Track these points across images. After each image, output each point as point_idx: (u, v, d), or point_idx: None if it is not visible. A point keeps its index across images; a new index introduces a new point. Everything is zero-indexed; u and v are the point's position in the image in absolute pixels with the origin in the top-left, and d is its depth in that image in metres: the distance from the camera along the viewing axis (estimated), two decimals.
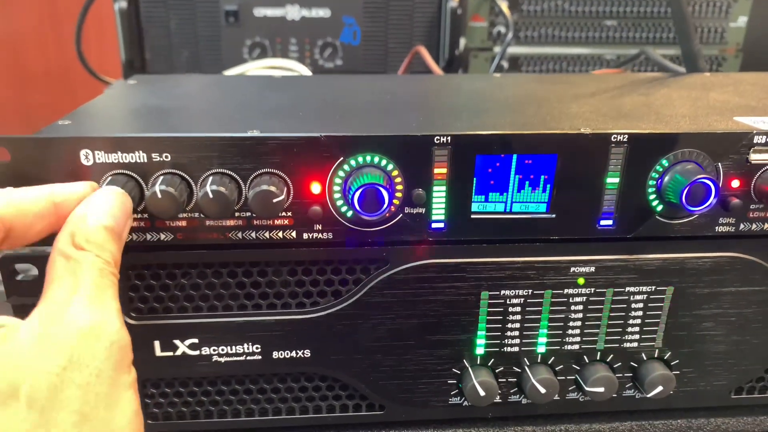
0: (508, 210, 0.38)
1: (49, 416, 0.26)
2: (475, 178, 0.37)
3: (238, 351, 0.39)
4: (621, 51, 1.55)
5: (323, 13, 1.15)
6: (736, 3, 1.50)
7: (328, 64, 1.17)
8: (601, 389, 0.41)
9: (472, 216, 0.37)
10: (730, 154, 0.37)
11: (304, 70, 0.73)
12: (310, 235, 0.37)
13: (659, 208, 0.38)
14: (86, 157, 0.34)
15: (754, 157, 0.37)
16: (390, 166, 0.35)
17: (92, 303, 0.29)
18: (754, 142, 0.36)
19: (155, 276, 0.38)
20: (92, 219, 0.31)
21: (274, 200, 0.34)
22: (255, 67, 0.71)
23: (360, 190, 0.34)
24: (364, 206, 0.34)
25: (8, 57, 1.49)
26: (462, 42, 1.17)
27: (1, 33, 1.52)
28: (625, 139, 0.36)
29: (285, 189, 0.35)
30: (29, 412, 0.26)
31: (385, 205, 0.35)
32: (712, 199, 0.35)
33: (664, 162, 0.37)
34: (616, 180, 0.37)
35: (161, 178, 0.34)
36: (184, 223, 0.36)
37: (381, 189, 0.34)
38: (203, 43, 1.13)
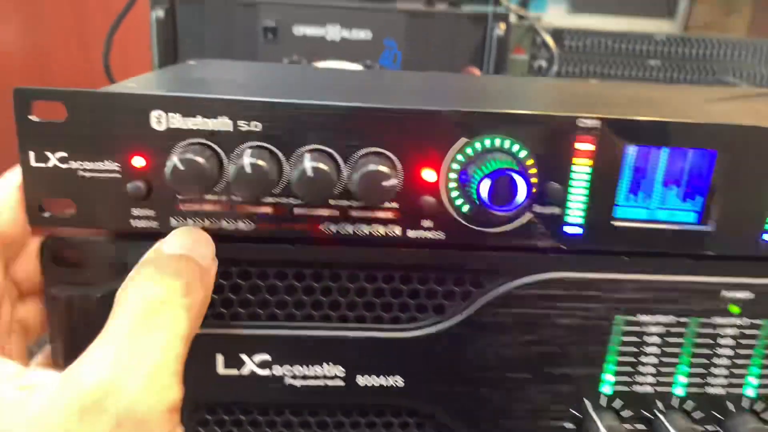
0: (651, 217, 0.31)
1: None
2: (622, 174, 0.30)
3: (317, 373, 0.32)
4: None
5: (364, 35, 1.11)
6: None
7: None
8: None
9: (615, 222, 0.31)
10: None
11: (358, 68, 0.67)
12: (417, 233, 0.30)
13: None
14: (158, 120, 0.28)
15: None
16: (523, 153, 0.29)
17: (116, 354, 0.24)
18: None
19: (226, 274, 0.31)
20: (168, 248, 0.28)
21: (385, 183, 0.27)
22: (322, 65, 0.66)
23: (489, 177, 0.28)
24: (494, 198, 0.28)
25: (35, 69, 1.45)
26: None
27: (29, 45, 1.49)
28: None
29: (395, 173, 0.29)
30: None
31: (521, 198, 0.28)
32: None
33: None
34: None
35: (249, 150, 0.28)
36: (268, 210, 0.29)
37: (516, 176, 0.28)
38: (240, 59, 1.08)
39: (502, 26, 1.12)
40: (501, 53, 1.13)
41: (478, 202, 0.28)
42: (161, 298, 0.25)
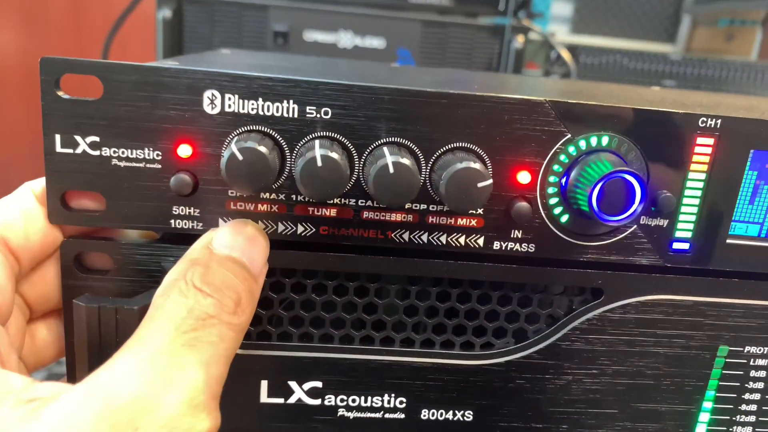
0: (764, 234, 0.27)
1: None
2: (744, 184, 0.26)
3: (375, 404, 0.28)
4: None
5: (378, 43, 1.08)
6: None
7: None
8: None
9: (731, 240, 0.27)
10: None
11: None
12: (504, 245, 0.26)
13: None
14: (211, 102, 0.23)
15: None
16: (633, 154, 0.25)
17: (151, 370, 0.20)
18: None
19: (277, 286, 0.27)
20: (222, 248, 0.23)
21: (480, 185, 0.23)
22: None
23: (602, 181, 0.23)
24: (604, 205, 0.24)
25: (33, 72, 1.41)
26: None
27: (28, 48, 1.45)
28: None
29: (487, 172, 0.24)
30: None
31: (636, 205, 0.24)
32: None
33: None
34: None
35: (318, 141, 0.23)
36: (333, 212, 0.25)
37: (632, 180, 0.23)
38: None
39: (521, 39, 1.09)
40: (518, 66, 1.11)
41: (588, 209, 0.24)
42: (210, 312, 0.21)
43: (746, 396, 0.29)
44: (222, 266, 0.22)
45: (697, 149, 0.25)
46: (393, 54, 1.10)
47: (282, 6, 1.05)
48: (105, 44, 1.03)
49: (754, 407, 0.29)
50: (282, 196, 0.25)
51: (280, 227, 0.25)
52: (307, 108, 0.24)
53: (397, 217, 0.25)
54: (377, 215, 0.25)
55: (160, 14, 1.02)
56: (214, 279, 0.22)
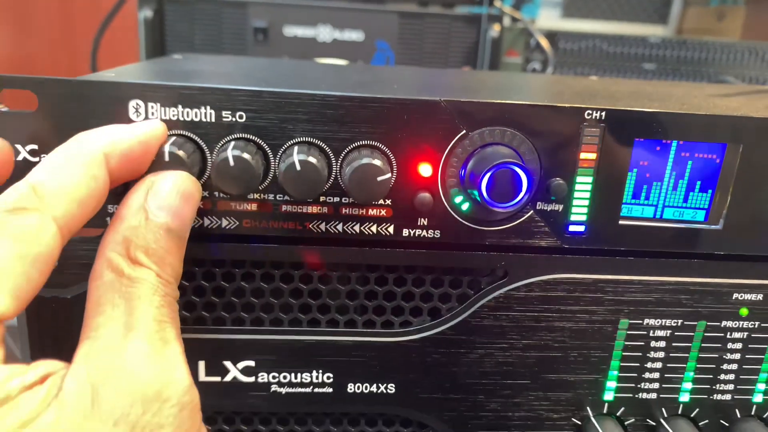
0: (658, 215, 0.30)
1: None
2: (630, 170, 0.28)
3: (304, 380, 0.30)
4: None
5: (356, 36, 1.10)
6: None
7: None
8: None
9: (622, 221, 0.29)
10: None
11: None
12: (412, 232, 0.28)
13: None
14: (136, 110, 0.26)
15: None
16: (525, 146, 0.27)
17: (154, 350, 0.22)
18: None
19: (209, 275, 0.29)
20: (155, 217, 0.23)
21: (379, 178, 0.26)
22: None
23: (490, 172, 0.26)
24: (494, 193, 0.26)
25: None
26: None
27: (16, 52, 1.47)
28: None
29: (389, 168, 0.27)
30: None
31: (522, 194, 0.26)
32: None
33: None
34: None
35: (233, 143, 0.26)
36: (254, 207, 0.28)
37: (518, 170, 0.26)
38: None
39: (497, 27, 1.11)
40: (495, 54, 1.12)
41: (479, 198, 0.26)
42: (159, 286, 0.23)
43: (648, 365, 0.32)
44: (160, 239, 0.23)
45: (584, 140, 0.28)
46: (372, 46, 1.11)
47: (261, 2, 1.07)
48: (93, 45, 1.05)
49: (656, 375, 0.32)
50: (206, 193, 0.27)
51: (206, 221, 0.28)
52: (223, 113, 0.26)
53: (313, 209, 0.28)
54: (294, 208, 0.28)
55: (141, 14, 1.04)
56: (155, 254, 0.23)
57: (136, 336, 0.22)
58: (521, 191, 0.26)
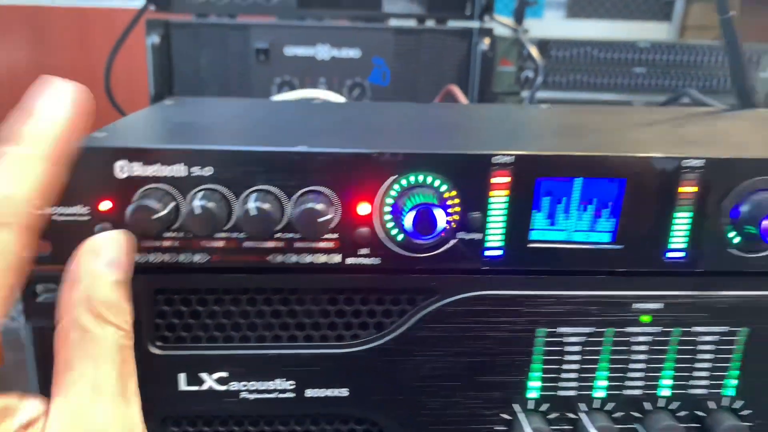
0: (569, 239, 0.35)
1: None
2: (535, 203, 0.34)
3: (269, 387, 0.36)
4: (650, 98, 1.54)
5: (353, 53, 1.16)
6: (766, 54, 1.48)
7: None
8: None
9: (531, 244, 0.34)
10: None
11: (342, 100, 0.71)
12: (356, 261, 0.34)
13: (735, 240, 0.34)
14: (121, 170, 0.32)
15: None
16: (444, 187, 0.33)
17: (119, 412, 0.26)
18: None
19: (185, 301, 0.35)
20: (109, 273, 0.28)
21: (320, 219, 0.31)
22: (294, 96, 0.70)
23: (413, 211, 0.31)
24: (417, 228, 0.32)
25: None
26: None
27: (34, 63, 1.55)
28: (700, 165, 0.33)
29: (332, 208, 0.32)
30: None
31: (439, 228, 0.32)
32: None
33: (741, 190, 0.34)
34: (689, 208, 0.34)
35: (201, 193, 0.32)
36: (221, 244, 0.33)
37: (435, 210, 0.31)
38: (233, 80, 1.13)
39: (487, 41, 1.16)
40: (486, 67, 1.17)
41: (404, 232, 0.32)
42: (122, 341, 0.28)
43: (566, 366, 0.37)
44: (114, 292, 0.28)
45: (494, 180, 0.33)
46: (369, 63, 1.17)
47: (262, 25, 1.13)
48: (106, 66, 1.12)
49: (574, 375, 0.37)
50: (182, 234, 0.33)
51: (181, 257, 0.33)
52: (192, 168, 0.32)
53: (270, 244, 0.34)
54: (255, 244, 0.33)
55: (149, 41, 1.11)
56: (110, 309, 0.27)
57: (103, 399, 0.26)
58: (438, 227, 0.32)
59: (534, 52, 1.41)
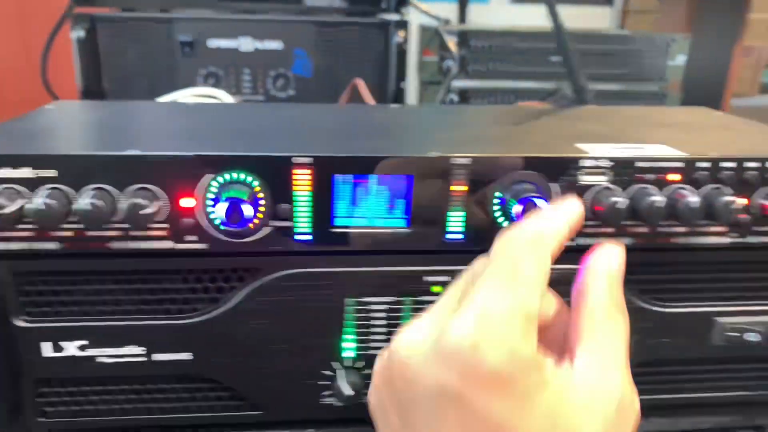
0: (370, 224, 0.42)
1: None
2: (334, 196, 0.41)
3: (122, 353, 0.43)
4: (566, 86, 1.63)
5: (276, 45, 1.20)
6: (675, 43, 1.58)
7: (280, 95, 1.22)
8: None
9: (334, 230, 0.41)
10: (563, 176, 0.41)
11: (228, 99, 0.77)
12: (186, 246, 0.41)
13: (505, 223, 0.42)
14: None
15: (584, 179, 0.41)
16: (255, 183, 0.40)
17: (626, 377, 0.30)
18: (582, 165, 0.41)
19: (45, 282, 0.41)
20: (620, 277, 0.32)
21: (141, 212, 0.38)
22: (185, 95, 0.76)
23: (223, 204, 0.38)
24: (229, 219, 0.38)
25: None
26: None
27: None
28: (468, 162, 0.40)
29: (157, 203, 0.39)
30: None
31: (248, 218, 0.39)
32: None
33: (505, 182, 0.41)
34: (462, 196, 0.41)
35: (45, 192, 0.38)
36: (69, 233, 0.40)
37: (242, 203, 0.38)
38: (160, 73, 1.17)
39: (402, 33, 1.22)
40: (401, 59, 1.24)
41: (219, 221, 0.39)
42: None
43: (374, 329, 0.44)
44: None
45: (296, 177, 0.40)
46: (291, 54, 1.23)
47: (186, 18, 1.17)
48: (42, 61, 1.16)
49: (382, 336, 0.44)
50: (34, 226, 0.39)
51: (37, 245, 0.40)
52: (38, 170, 0.38)
53: (111, 233, 0.40)
54: (99, 233, 0.40)
55: (73, 35, 1.14)
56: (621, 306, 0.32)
57: (618, 362, 0.30)
58: (246, 217, 0.38)
59: (450, 44, 1.48)
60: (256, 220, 0.40)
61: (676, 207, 0.40)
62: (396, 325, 0.44)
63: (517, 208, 0.40)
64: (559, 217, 0.32)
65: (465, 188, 0.41)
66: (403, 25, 1.20)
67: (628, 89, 1.55)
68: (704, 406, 0.51)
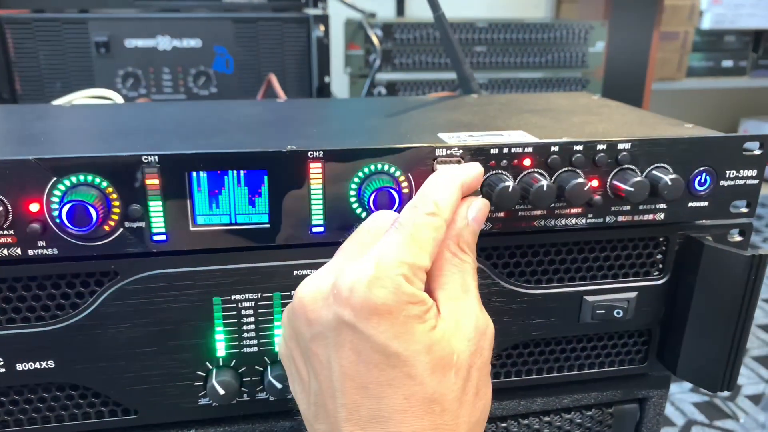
0: (232, 221, 0.42)
1: (465, 384, 0.34)
2: (190, 193, 0.40)
3: None
4: (491, 75, 1.64)
5: (194, 43, 1.18)
6: (593, 30, 1.62)
7: (202, 92, 1.20)
8: None
9: (194, 228, 0.41)
10: (419, 166, 0.42)
11: (119, 100, 0.76)
12: (36, 252, 0.40)
13: (363, 214, 0.42)
14: None
15: (438, 168, 0.42)
16: (104, 184, 0.39)
17: (479, 304, 0.36)
18: (436, 154, 0.42)
19: None
20: (473, 226, 0.37)
21: None
22: (80, 97, 0.74)
23: (67, 207, 0.37)
24: (74, 222, 0.38)
25: None
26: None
27: None
28: (320, 155, 0.41)
29: (0, 209, 0.38)
30: (456, 378, 0.33)
31: (94, 220, 0.38)
32: (396, 206, 0.40)
33: (360, 174, 0.41)
34: (320, 190, 0.41)
35: None
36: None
37: (88, 206, 0.37)
38: (75, 74, 1.14)
39: (322, 28, 1.21)
40: (323, 53, 1.23)
41: (65, 225, 0.38)
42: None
43: (245, 327, 0.44)
44: (472, 237, 0.38)
45: (147, 176, 0.39)
46: (211, 52, 1.21)
47: (100, 18, 1.14)
48: None
49: (253, 333, 0.44)
50: None
51: None
52: None
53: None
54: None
55: None
56: (470, 247, 0.38)
57: (470, 293, 0.36)
58: (93, 219, 0.38)
59: (373, 38, 1.48)
60: (111, 222, 0.39)
61: (530, 192, 0.41)
62: (266, 321, 0.44)
63: (372, 199, 0.40)
64: (450, 184, 0.37)
65: (322, 181, 0.41)
66: (322, 19, 1.20)
67: (552, 76, 1.58)
68: (584, 383, 0.52)
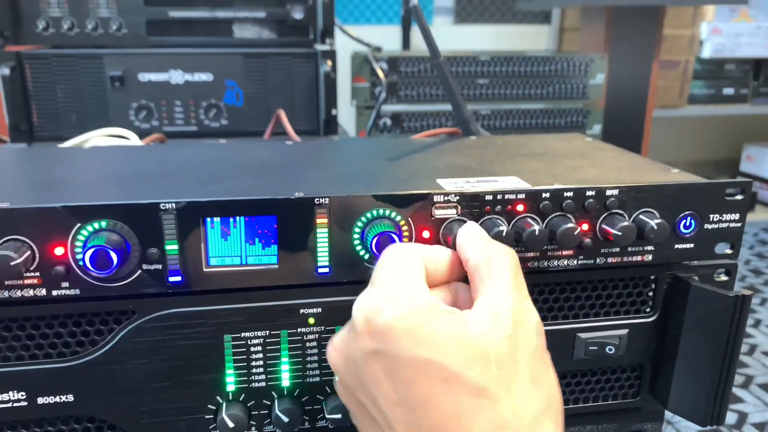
0: (243, 263, 0.44)
1: (512, 373, 0.34)
2: (204, 237, 0.43)
3: (4, 399, 0.44)
4: (494, 106, 1.68)
5: (206, 77, 1.22)
6: (593, 63, 1.65)
7: (213, 124, 1.24)
8: (339, 415, 0.47)
9: (207, 269, 0.44)
10: (419, 210, 0.44)
11: (135, 139, 0.79)
12: (60, 292, 0.42)
13: (366, 256, 0.45)
14: None
15: (436, 213, 0.44)
16: (125, 229, 0.42)
17: (519, 296, 0.37)
18: (435, 200, 0.44)
19: None
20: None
21: (12, 263, 0.40)
22: (96, 135, 0.77)
23: (90, 252, 0.40)
24: (96, 266, 0.40)
25: None
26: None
27: None
28: (326, 202, 0.43)
29: (28, 253, 0.41)
30: (499, 370, 0.33)
31: (115, 264, 0.41)
32: None
33: (363, 219, 0.44)
34: (325, 234, 0.44)
35: None
36: None
37: (109, 250, 0.40)
38: (90, 107, 1.18)
39: (329, 62, 1.25)
40: (331, 87, 1.27)
41: (88, 267, 0.41)
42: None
43: (253, 363, 0.46)
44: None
45: (164, 222, 0.42)
46: (222, 85, 1.25)
47: (114, 53, 1.19)
48: None
49: (261, 369, 0.47)
50: None
51: None
52: None
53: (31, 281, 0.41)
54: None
55: None
56: None
57: (505, 289, 0.37)
58: (114, 263, 0.40)
59: (378, 71, 1.52)
60: (130, 265, 0.42)
61: (523, 235, 0.44)
62: (275, 357, 0.46)
63: (374, 242, 0.43)
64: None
65: (327, 226, 0.44)
66: (330, 54, 1.24)
67: (553, 107, 1.61)
68: (580, 416, 0.54)
